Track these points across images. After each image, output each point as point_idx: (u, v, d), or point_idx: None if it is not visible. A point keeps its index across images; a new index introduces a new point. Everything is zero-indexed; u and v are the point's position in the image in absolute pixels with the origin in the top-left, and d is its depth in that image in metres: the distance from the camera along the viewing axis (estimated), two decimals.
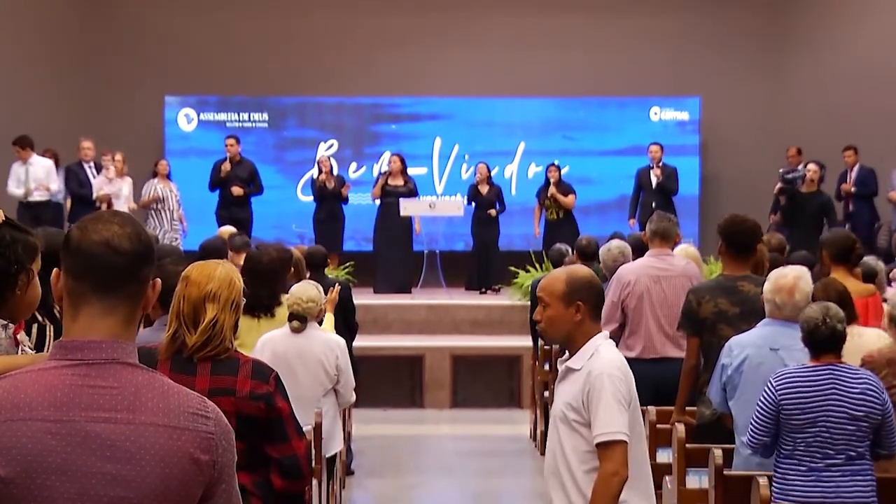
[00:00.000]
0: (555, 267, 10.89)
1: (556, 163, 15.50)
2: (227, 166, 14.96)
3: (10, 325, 3.26)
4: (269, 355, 5.99)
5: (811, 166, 14.03)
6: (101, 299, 2.14)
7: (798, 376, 4.96)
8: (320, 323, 6.85)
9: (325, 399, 6.30)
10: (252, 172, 15.19)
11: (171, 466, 2.08)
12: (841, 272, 6.58)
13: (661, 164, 15.47)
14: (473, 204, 15.35)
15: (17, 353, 3.27)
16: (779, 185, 13.80)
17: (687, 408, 6.31)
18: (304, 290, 6.21)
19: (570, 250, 11.18)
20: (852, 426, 4.89)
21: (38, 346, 3.65)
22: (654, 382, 6.97)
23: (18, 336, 3.32)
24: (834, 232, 7.27)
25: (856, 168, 14.85)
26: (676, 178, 15.54)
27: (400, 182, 15.11)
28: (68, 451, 2.06)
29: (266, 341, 6.19)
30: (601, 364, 3.98)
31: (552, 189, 15.16)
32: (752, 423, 5.05)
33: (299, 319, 6.19)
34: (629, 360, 7.07)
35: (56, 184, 14.32)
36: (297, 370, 6.14)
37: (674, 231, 7.35)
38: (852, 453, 4.90)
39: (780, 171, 14.02)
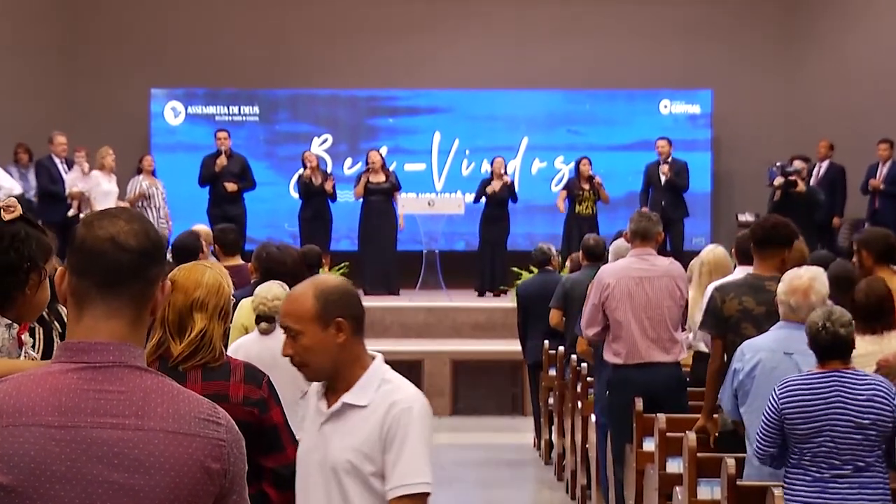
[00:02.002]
0: (540, 268, 10.83)
1: (587, 156, 15.58)
2: (222, 160, 15.00)
3: (15, 325, 3.26)
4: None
5: (798, 163, 14.08)
6: (104, 300, 2.14)
7: (801, 384, 4.99)
8: None
9: (302, 403, 6.31)
10: (244, 167, 15.27)
11: (181, 475, 2.08)
12: (885, 272, 6.58)
13: (669, 159, 15.51)
14: (483, 200, 15.39)
15: (20, 354, 3.28)
16: (780, 178, 13.83)
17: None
18: (269, 289, 6.19)
19: (552, 248, 11.06)
20: (859, 435, 4.91)
21: (36, 351, 3.66)
22: (643, 389, 6.99)
23: (23, 337, 3.33)
24: (872, 231, 7.26)
25: (888, 164, 14.81)
26: (687, 173, 15.59)
27: (381, 178, 15.20)
28: (73, 459, 2.06)
29: (238, 347, 6.19)
30: (406, 395, 3.31)
31: (597, 178, 15.23)
32: (758, 434, 5.09)
33: (266, 320, 6.18)
34: (616, 366, 7.19)
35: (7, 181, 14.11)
36: (271, 374, 6.15)
37: (655, 230, 7.31)
38: (860, 463, 4.92)
39: (778, 163, 14.05)
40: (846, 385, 4.97)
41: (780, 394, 4.99)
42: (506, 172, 15.64)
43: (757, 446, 5.09)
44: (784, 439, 5.02)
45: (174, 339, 3.83)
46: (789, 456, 5.04)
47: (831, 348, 4.99)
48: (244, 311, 6.64)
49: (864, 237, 6.93)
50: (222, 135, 15.29)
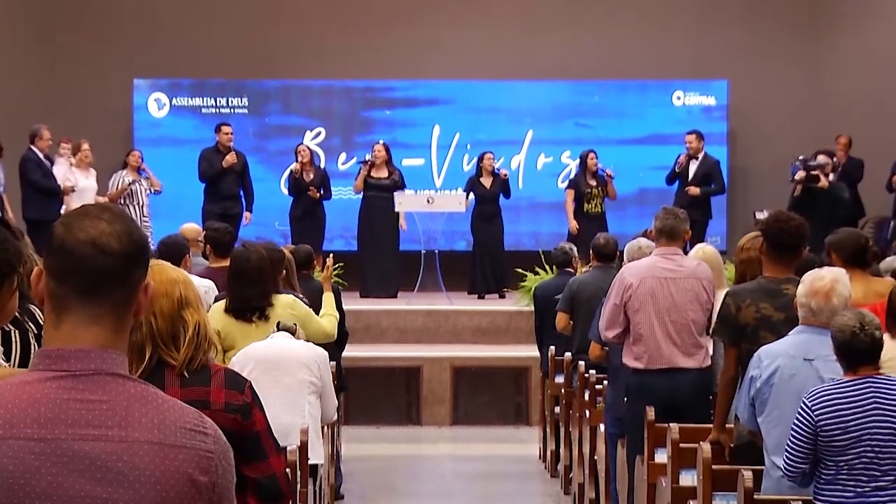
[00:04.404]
0: (559, 270, 10.85)
1: (593, 149, 15.53)
2: (232, 157, 14.99)
3: None
4: (252, 364, 6.14)
5: (822, 158, 14.10)
6: (85, 305, 2.13)
7: (836, 393, 4.97)
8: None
9: (312, 398, 6.42)
10: (244, 164, 15.29)
11: (167, 489, 2.08)
12: (857, 275, 6.59)
13: (699, 155, 15.44)
14: (474, 198, 15.38)
15: None
16: (802, 173, 13.86)
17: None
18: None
19: (574, 249, 11.10)
20: None
21: (13, 355, 3.66)
22: (664, 396, 6.98)
23: None
24: (842, 232, 7.22)
25: None
26: (719, 173, 15.54)
27: (384, 174, 15.19)
28: (54, 473, 2.05)
29: (248, 350, 6.36)
30: None
31: (609, 171, 15.19)
32: (788, 450, 5.04)
33: (287, 329, 6.49)
34: (637, 370, 7.18)
35: None
36: (281, 370, 6.31)
37: (682, 228, 7.31)
38: None
39: (801, 157, 14.06)
40: (882, 391, 4.96)
41: (814, 405, 4.95)
42: (499, 167, 15.56)
43: (788, 464, 5.03)
44: (816, 455, 4.99)
45: (168, 348, 3.85)
46: (822, 472, 5.00)
47: (868, 353, 4.99)
48: (215, 315, 6.73)
49: (833, 239, 6.91)
50: (229, 129, 15.25)
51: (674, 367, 7.10)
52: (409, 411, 13.04)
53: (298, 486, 5.83)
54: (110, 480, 2.07)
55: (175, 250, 8.08)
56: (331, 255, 8.74)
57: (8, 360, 3.63)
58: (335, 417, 6.75)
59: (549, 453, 10.81)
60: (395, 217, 15.10)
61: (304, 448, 6.04)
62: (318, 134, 17.07)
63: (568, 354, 9.65)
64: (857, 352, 4.99)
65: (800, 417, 5.00)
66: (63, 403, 2.09)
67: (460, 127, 17.05)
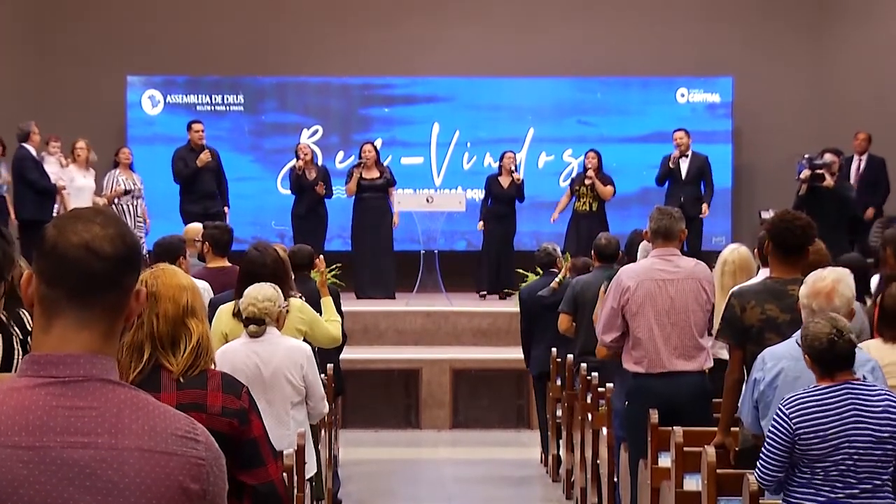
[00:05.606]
0: (544, 271, 10.84)
1: (595, 149, 15.56)
2: (207, 155, 14.98)
3: None
4: (228, 370, 6.07)
5: (828, 156, 14.11)
6: (76, 310, 2.13)
7: (813, 400, 4.96)
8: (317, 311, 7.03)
9: (295, 411, 6.36)
10: (218, 160, 15.27)
11: (157, 497, 2.08)
12: None
13: (689, 152, 15.49)
14: (490, 197, 15.43)
15: None
16: (807, 172, 13.87)
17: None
18: (259, 290, 6.30)
19: (557, 249, 11.06)
20: (878, 450, 4.90)
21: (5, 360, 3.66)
22: (665, 400, 6.97)
23: None
24: None
25: None
26: (709, 169, 15.58)
27: (375, 174, 15.24)
28: (42, 482, 2.05)
29: (223, 353, 6.24)
30: None
31: (591, 173, 15.23)
32: (763, 459, 5.03)
33: (256, 322, 6.25)
34: (637, 375, 7.18)
35: None
36: (261, 382, 6.21)
37: (677, 228, 7.28)
38: (877, 481, 4.91)
39: (807, 156, 14.06)
40: (861, 398, 4.95)
41: (791, 412, 4.95)
42: (516, 169, 15.64)
43: (764, 473, 5.03)
44: (791, 462, 4.99)
45: (166, 352, 3.86)
46: (796, 475, 5.00)
47: (848, 359, 4.98)
48: (223, 318, 6.69)
49: (890, 235, 6.93)
50: (200, 126, 15.25)
51: (673, 371, 7.09)
52: (408, 414, 13.04)
53: (295, 491, 5.83)
54: (100, 489, 2.06)
55: (170, 251, 8.08)
56: (320, 256, 8.69)
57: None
58: (327, 409, 6.68)
59: (550, 457, 10.81)
60: (390, 216, 15.13)
61: (300, 453, 6.03)
62: (316, 132, 17.06)
63: (570, 357, 9.65)
64: (838, 358, 4.97)
65: (776, 425, 4.98)
66: (52, 410, 2.09)
67: (460, 125, 17.05)
